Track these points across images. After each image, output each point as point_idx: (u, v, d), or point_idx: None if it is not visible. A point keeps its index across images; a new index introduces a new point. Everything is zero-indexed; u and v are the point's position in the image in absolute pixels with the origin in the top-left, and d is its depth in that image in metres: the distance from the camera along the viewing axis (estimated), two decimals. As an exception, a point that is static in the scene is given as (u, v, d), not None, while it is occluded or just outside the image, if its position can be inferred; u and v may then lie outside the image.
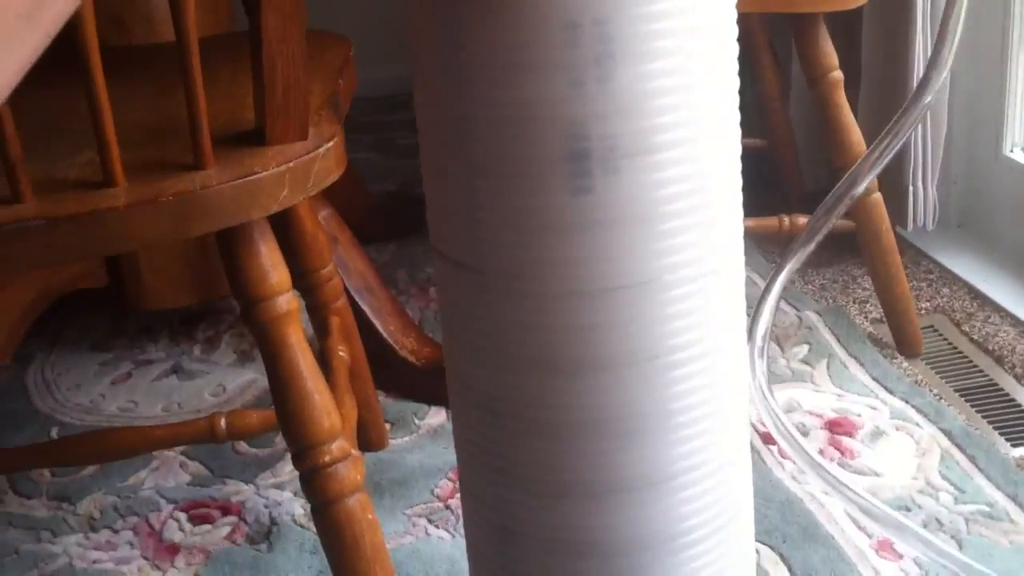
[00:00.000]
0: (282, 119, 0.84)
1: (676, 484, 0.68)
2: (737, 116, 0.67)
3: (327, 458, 0.87)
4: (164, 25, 1.36)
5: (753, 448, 1.21)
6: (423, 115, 0.67)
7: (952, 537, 1.06)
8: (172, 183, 0.80)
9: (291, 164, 0.83)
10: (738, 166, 0.68)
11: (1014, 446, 1.22)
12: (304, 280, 1.14)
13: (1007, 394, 1.32)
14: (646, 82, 0.60)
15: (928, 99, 1.02)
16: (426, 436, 1.31)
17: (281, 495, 1.20)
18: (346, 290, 1.33)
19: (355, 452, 0.91)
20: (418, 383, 1.39)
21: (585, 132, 0.60)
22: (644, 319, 0.64)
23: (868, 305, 1.54)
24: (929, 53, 1.47)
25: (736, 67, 0.66)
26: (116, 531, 1.17)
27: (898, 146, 0.99)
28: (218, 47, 1.13)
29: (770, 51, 1.81)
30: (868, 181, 1.05)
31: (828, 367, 1.38)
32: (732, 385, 0.69)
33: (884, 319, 1.44)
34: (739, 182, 0.68)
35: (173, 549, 1.14)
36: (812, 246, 1.05)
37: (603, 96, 0.60)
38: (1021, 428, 1.25)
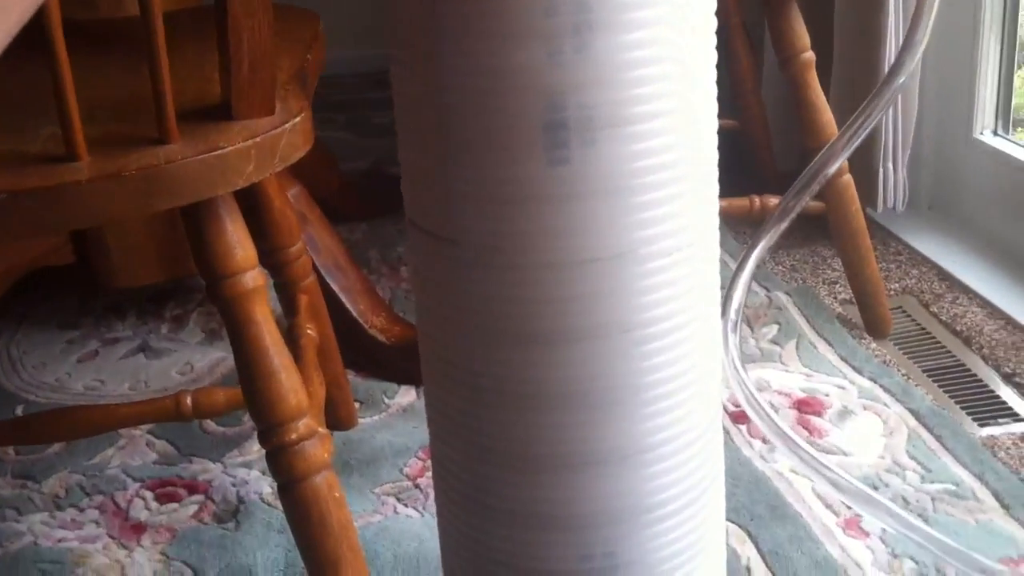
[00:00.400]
0: (248, 94, 0.83)
1: (650, 457, 0.68)
2: (714, 90, 0.67)
3: (294, 436, 0.87)
4: (132, 0, 1.35)
5: (723, 428, 1.21)
6: (399, 86, 0.66)
7: (919, 515, 1.07)
8: (136, 157, 0.79)
9: (257, 139, 0.82)
10: (714, 140, 0.68)
11: (981, 426, 1.23)
12: (273, 258, 1.14)
13: (974, 374, 1.33)
14: (624, 52, 0.60)
15: (901, 80, 1.02)
16: (395, 415, 1.30)
17: (249, 474, 1.20)
18: (315, 268, 1.32)
19: (322, 430, 0.90)
20: (388, 362, 1.38)
21: (562, 102, 0.60)
22: (619, 292, 0.64)
23: (838, 286, 1.55)
24: (902, 34, 1.47)
25: (714, 41, 0.66)
26: (81, 510, 1.16)
27: (870, 127, 0.99)
28: (185, 21, 1.11)
29: (743, 32, 1.81)
30: (840, 162, 1.05)
31: (797, 347, 1.38)
32: (705, 359, 0.69)
33: (853, 300, 1.44)
34: (715, 156, 0.68)
35: (139, 528, 1.13)
36: (784, 225, 1.05)
37: (581, 66, 0.59)
38: (988, 408, 1.26)
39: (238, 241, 0.85)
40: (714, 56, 0.66)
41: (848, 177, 1.36)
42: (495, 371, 0.66)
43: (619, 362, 0.65)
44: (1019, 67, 1.64)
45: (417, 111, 0.65)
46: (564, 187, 0.61)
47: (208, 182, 0.81)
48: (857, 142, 1.07)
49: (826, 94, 1.38)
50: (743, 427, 1.22)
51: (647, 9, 0.60)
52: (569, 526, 0.68)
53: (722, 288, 0.75)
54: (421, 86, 0.63)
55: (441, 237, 0.65)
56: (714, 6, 0.65)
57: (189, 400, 1.01)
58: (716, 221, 0.69)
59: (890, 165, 1.58)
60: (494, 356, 0.66)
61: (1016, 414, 1.24)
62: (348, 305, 1.39)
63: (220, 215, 0.85)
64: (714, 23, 0.65)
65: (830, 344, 1.38)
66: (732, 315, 0.92)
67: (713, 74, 0.66)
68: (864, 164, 1.56)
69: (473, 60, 0.60)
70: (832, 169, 1.10)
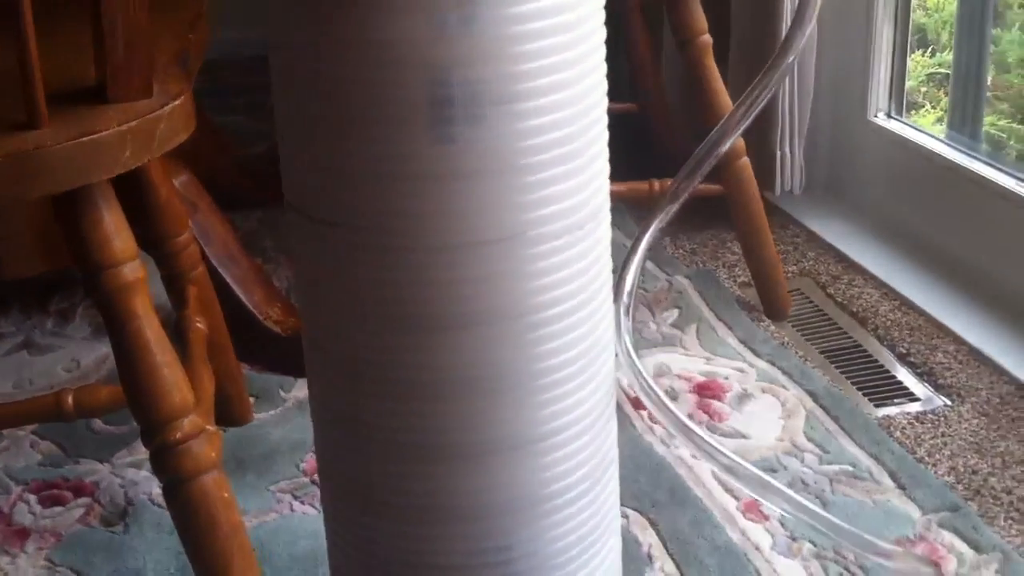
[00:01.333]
0: (124, 75, 0.80)
1: (544, 445, 0.67)
2: (604, 67, 0.65)
3: (178, 435, 0.83)
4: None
5: (623, 413, 1.21)
6: (278, 60, 0.63)
7: (817, 497, 1.07)
8: (3, 143, 0.75)
9: (133, 124, 0.79)
10: (605, 119, 0.66)
11: (877, 407, 1.24)
12: (160, 248, 1.09)
13: (870, 355, 1.34)
14: (511, 26, 0.58)
15: (792, 57, 1.02)
16: (293, 409, 1.27)
17: (138, 474, 1.15)
18: (208, 259, 1.27)
19: (210, 428, 0.87)
20: (284, 354, 1.35)
21: (448, 77, 0.58)
22: (508, 275, 0.62)
23: (737, 269, 1.55)
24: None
25: (603, 16, 0.64)
26: (-41, 515, 1.11)
27: (763, 103, 0.98)
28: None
29: (642, 15, 1.80)
30: (733, 139, 1.04)
31: (698, 331, 1.38)
32: (598, 344, 0.68)
33: (752, 283, 1.45)
34: (606, 135, 0.67)
35: (23, 533, 1.08)
36: (678, 204, 1.04)
37: (466, 39, 0.57)
38: (884, 389, 1.28)
39: (115, 231, 0.82)
40: (603, 32, 0.64)
41: (746, 160, 1.37)
42: (381, 359, 0.64)
43: (511, 348, 0.63)
44: (912, 51, 1.66)
45: (296, 85, 0.62)
46: (451, 166, 0.59)
47: (81, 168, 0.77)
48: (749, 120, 1.06)
49: (724, 78, 1.38)
50: (644, 413, 1.22)
51: (534, -19, 0.58)
52: (461, 518, 0.66)
53: (616, 271, 0.74)
54: (301, 60, 0.61)
55: (323, 220, 0.63)
56: None
57: (70, 399, 0.97)
58: (608, 202, 0.68)
59: (787, 148, 1.59)
60: (380, 343, 0.63)
61: (911, 394, 1.26)
62: (242, 296, 1.35)
63: (96, 203, 0.81)
64: None
65: (729, 327, 1.39)
66: (625, 299, 0.91)
67: (603, 51, 0.65)
68: (762, 147, 1.56)
69: (355, 32, 0.58)
70: (725, 147, 1.09)
